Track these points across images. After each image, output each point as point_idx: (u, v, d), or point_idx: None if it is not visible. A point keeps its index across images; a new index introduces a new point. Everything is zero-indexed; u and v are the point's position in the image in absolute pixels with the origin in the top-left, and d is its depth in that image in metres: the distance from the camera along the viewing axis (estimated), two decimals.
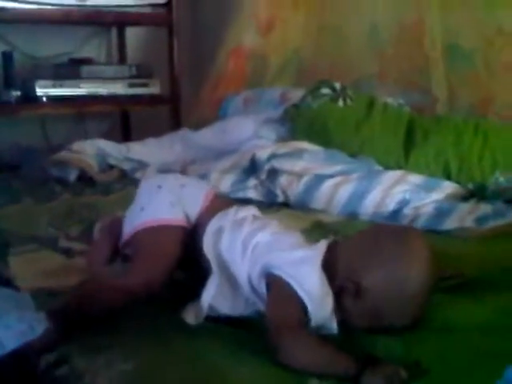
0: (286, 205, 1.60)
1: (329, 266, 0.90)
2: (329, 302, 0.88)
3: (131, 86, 2.45)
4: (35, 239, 1.31)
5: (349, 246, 0.94)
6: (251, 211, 1.05)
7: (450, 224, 1.39)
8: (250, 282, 0.93)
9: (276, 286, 0.90)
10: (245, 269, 0.94)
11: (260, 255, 0.94)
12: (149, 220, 1.00)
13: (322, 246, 0.94)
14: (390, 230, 0.98)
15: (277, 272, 0.90)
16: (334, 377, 0.78)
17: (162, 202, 1.02)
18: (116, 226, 1.09)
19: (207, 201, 1.05)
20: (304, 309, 0.86)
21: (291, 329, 0.84)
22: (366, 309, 0.88)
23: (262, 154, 1.67)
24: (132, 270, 0.98)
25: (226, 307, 0.93)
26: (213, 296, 0.92)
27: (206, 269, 0.97)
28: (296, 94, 2.06)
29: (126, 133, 2.71)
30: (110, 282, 0.96)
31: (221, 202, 1.08)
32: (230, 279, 0.95)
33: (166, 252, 0.98)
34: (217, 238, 0.98)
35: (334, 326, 0.89)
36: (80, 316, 0.88)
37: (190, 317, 0.92)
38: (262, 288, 0.92)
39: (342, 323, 0.90)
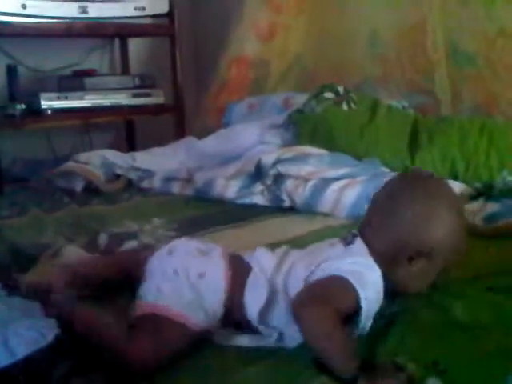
0: (292, 209, 1.60)
1: (374, 254, 0.90)
2: (377, 306, 0.87)
3: (135, 96, 2.46)
4: (44, 249, 1.30)
5: (377, 225, 0.93)
6: (266, 259, 0.96)
7: None
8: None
9: (332, 277, 0.87)
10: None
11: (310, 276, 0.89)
12: (165, 307, 0.89)
13: (359, 243, 0.91)
14: (405, 187, 0.95)
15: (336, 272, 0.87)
16: (330, 371, 0.77)
17: (181, 296, 0.91)
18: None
19: (228, 279, 0.94)
20: (356, 307, 0.85)
21: (325, 306, 0.82)
22: (435, 266, 0.91)
23: (268, 160, 1.67)
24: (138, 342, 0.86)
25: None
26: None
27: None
28: (299, 99, 2.07)
29: (130, 142, 2.72)
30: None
31: (240, 265, 0.97)
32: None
33: (171, 347, 0.86)
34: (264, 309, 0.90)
35: (367, 328, 0.88)
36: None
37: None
38: None
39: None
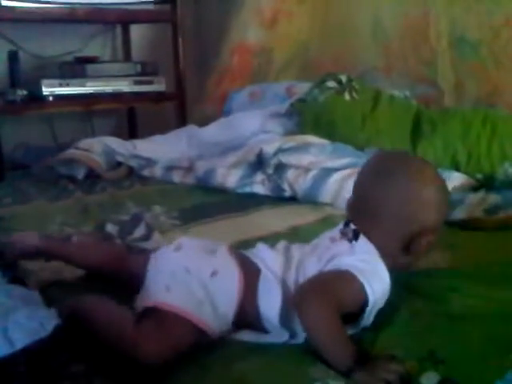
0: (293, 199, 1.60)
1: (381, 250, 0.90)
2: (382, 302, 0.88)
3: (136, 83, 2.45)
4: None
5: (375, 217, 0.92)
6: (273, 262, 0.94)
7: (458, 215, 1.38)
8: None
9: (338, 271, 0.87)
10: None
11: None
12: (176, 306, 0.86)
13: (363, 240, 0.90)
14: (397, 174, 0.94)
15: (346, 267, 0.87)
16: (328, 362, 0.78)
17: (192, 296, 0.87)
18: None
19: (242, 280, 0.91)
20: (361, 303, 0.85)
21: (326, 297, 0.82)
22: (430, 241, 0.93)
23: (269, 149, 1.67)
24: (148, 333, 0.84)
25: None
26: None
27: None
28: (302, 88, 2.06)
29: (132, 130, 2.71)
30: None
31: (249, 266, 0.94)
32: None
33: (177, 342, 0.83)
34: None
35: (370, 322, 0.88)
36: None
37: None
38: None
39: None
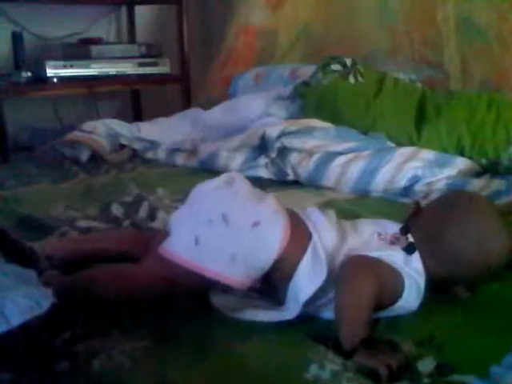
0: (296, 183, 1.60)
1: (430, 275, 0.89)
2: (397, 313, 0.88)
3: (141, 65, 2.44)
4: (54, 221, 1.28)
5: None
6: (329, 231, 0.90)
7: None
8: None
9: (391, 265, 0.86)
10: None
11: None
12: (200, 266, 0.84)
13: (417, 258, 0.88)
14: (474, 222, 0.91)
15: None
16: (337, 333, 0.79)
17: (221, 251, 0.84)
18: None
19: (286, 238, 0.86)
20: (392, 301, 0.85)
21: (376, 275, 0.82)
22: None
23: (273, 132, 1.66)
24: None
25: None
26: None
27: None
28: (306, 71, 2.04)
29: (136, 112, 2.71)
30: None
31: (299, 225, 0.90)
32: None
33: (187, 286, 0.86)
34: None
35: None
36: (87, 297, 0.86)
37: (226, 307, 0.88)
38: None
39: None
